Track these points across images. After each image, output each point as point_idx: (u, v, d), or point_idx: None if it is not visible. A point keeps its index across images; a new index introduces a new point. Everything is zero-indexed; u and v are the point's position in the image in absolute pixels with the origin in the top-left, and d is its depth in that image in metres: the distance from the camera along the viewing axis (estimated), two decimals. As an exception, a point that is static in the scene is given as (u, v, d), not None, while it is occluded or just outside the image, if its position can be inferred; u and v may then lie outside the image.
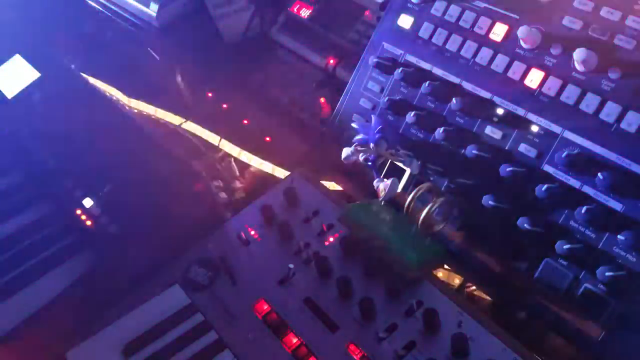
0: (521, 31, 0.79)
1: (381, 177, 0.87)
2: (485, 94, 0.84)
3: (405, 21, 0.95)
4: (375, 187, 0.86)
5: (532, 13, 0.83)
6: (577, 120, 0.76)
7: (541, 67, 0.80)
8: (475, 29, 0.87)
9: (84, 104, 1.17)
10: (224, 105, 1.29)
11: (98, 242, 0.97)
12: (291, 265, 0.87)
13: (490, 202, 0.79)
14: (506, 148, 0.81)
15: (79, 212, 1.03)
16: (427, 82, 0.86)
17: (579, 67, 0.76)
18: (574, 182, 0.75)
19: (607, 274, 0.69)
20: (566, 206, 0.75)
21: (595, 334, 0.72)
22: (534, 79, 0.80)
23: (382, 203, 0.86)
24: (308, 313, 0.83)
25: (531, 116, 0.80)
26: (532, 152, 0.79)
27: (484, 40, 0.86)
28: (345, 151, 0.90)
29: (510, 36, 0.84)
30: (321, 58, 1.20)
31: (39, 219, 1.05)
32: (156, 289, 0.90)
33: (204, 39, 1.33)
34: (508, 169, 0.78)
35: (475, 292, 0.91)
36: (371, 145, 0.86)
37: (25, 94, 1.21)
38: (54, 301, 0.92)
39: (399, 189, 0.87)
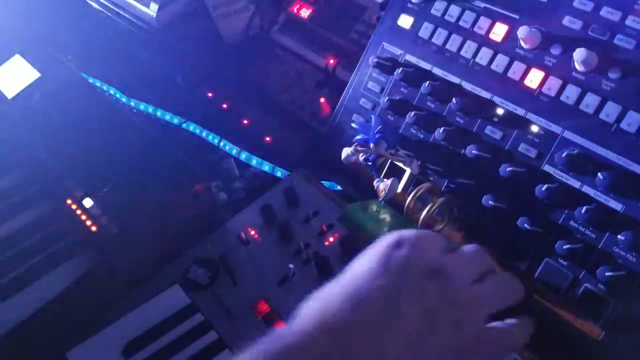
0: (521, 31, 0.79)
1: (381, 177, 0.87)
2: (485, 94, 0.84)
3: (405, 21, 0.95)
4: (375, 187, 0.86)
5: (532, 13, 0.83)
6: (577, 120, 0.76)
7: (541, 67, 0.80)
8: (475, 29, 0.87)
9: (84, 104, 1.17)
10: (224, 105, 1.29)
11: (98, 242, 0.97)
12: (291, 265, 0.87)
13: (490, 202, 0.79)
14: (506, 148, 0.81)
15: (79, 212, 1.03)
16: (427, 82, 0.86)
17: (579, 67, 0.76)
18: (574, 182, 0.75)
19: (607, 274, 0.69)
20: (566, 206, 0.75)
21: (595, 334, 0.72)
22: (534, 79, 0.80)
23: (382, 203, 0.86)
24: (308, 313, 0.83)
25: (531, 116, 0.80)
26: (532, 152, 0.79)
27: (484, 40, 0.86)
28: (345, 151, 0.90)
29: (510, 36, 0.84)
30: (321, 58, 1.20)
31: (39, 219, 1.05)
32: (156, 289, 0.90)
33: (204, 39, 1.33)
34: (508, 169, 0.78)
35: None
36: (371, 145, 0.86)
37: (25, 94, 1.21)
38: (54, 301, 0.91)
39: (399, 189, 0.87)
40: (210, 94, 1.32)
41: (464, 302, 0.59)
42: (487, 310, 0.62)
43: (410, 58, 0.93)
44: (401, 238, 0.61)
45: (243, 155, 1.18)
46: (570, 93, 0.77)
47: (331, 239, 0.90)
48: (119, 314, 0.88)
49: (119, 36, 1.45)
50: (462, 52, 0.87)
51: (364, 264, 0.59)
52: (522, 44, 0.82)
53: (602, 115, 0.74)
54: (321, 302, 0.57)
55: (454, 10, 0.90)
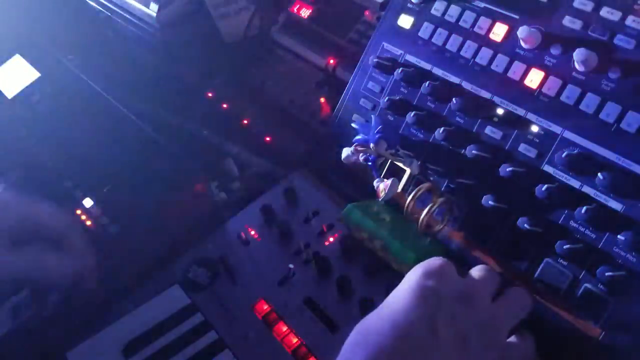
0: (521, 31, 0.79)
1: (381, 177, 0.87)
2: (485, 94, 0.84)
3: (405, 21, 0.95)
4: (375, 187, 0.86)
5: (532, 13, 0.83)
6: (577, 120, 0.76)
7: (541, 67, 0.80)
8: (475, 29, 0.87)
9: (84, 104, 1.17)
10: (224, 105, 1.29)
11: (98, 242, 0.97)
12: (291, 265, 0.87)
13: (490, 202, 0.79)
14: (506, 148, 0.81)
15: (79, 212, 1.03)
16: (427, 82, 0.86)
17: (579, 67, 0.76)
18: (574, 182, 0.75)
19: (607, 274, 0.69)
20: (566, 206, 0.75)
21: (595, 334, 0.72)
22: (534, 79, 0.80)
23: (382, 203, 0.86)
24: (308, 313, 0.83)
25: (531, 116, 0.80)
26: (532, 152, 0.79)
27: (484, 40, 0.86)
28: (345, 151, 0.90)
29: (510, 36, 0.84)
30: (321, 58, 1.20)
31: (39, 219, 1.05)
32: (156, 289, 0.90)
33: (204, 39, 1.33)
34: (508, 169, 0.78)
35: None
36: (371, 145, 0.86)
37: (25, 94, 1.21)
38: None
39: (399, 189, 0.87)
40: (210, 94, 1.32)
41: (489, 321, 0.64)
42: (508, 327, 0.67)
43: (410, 58, 0.93)
44: (428, 269, 0.66)
45: (243, 155, 1.18)
46: (570, 93, 0.77)
47: (331, 239, 0.90)
48: (119, 314, 0.88)
49: (119, 36, 1.45)
50: (462, 52, 0.87)
51: (400, 297, 0.64)
52: (522, 44, 0.82)
53: (602, 115, 0.74)
54: (364, 335, 0.61)
55: (454, 10, 0.90)
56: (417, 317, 0.60)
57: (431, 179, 0.87)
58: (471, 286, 0.67)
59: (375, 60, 0.93)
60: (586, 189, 0.74)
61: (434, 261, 0.68)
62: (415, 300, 0.62)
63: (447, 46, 0.89)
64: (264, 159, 1.16)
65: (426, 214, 0.80)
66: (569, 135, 0.77)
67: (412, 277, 0.65)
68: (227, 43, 1.34)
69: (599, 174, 0.71)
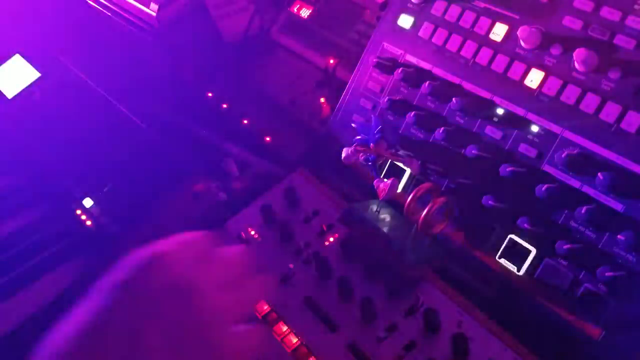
0: (521, 31, 0.79)
1: (381, 177, 0.87)
2: (485, 94, 0.84)
3: (405, 21, 0.95)
4: (375, 187, 0.86)
5: (532, 13, 0.83)
6: (577, 120, 0.76)
7: (541, 67, 0.80)
8: (475, 29, 0.87)
9: (84, 104, 1.17)
10: (224, 105, 1.29)
11: (98, 242, 0.97)
12: (291, 265, 0.87)
13: (490, 202, 0.79)
14: (506, 148, 0.81)
15: (79, 212, 1.03)
16: (427, 82, 0.86)
17: (579, 67, 0.76)
18: (574, 182, 0.75)
19: (607, 274, 0.69)
20: (566, 206, 0.75)
21: (595, 334, 0.72)
22: (534, 79, 0.80)
23: (382, 203, 0.86)
24: (308, 313, 0.83)
25: (531, 116, 0.80)
26: (532, 152, 0.79)
27: (484, 40, 0.86)
28: (345, 151, 0.90)
29: (510, 36, 0.84)
30: (321, 58, 1.20)
31: (39, 219, 1.05)
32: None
33: (204, 39, 1.33)
34: (508, 169, 0.78)
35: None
36: (371, 145, 0.86)
37: (25, 94, 1.21)
38: (54, 301, 0.91)
39: (399, 189, 0.87)
40: (210, 94, 1.32)
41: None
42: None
43: (410, 58, 0.93)
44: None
45: (243, 155, 1.18)
46: (570, 93, 0.77)
47: (331, 239, 0.90)
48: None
49: (119, 36, 1.45)
50: (462, 52, 0.87)
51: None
52: (522, 44, 0.82)
53: (602, 115, 0.74)
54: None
55: (454, 10, 0.90)
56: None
57: (431, 179, 0.87)
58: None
59: (375, 60, 0.93)
60: (586, 189, 0.74)
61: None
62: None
63: (447, 46, 0.89)
64: (264, 159, 1.16)
65: (426, 214, 0.80)
66: (569, 135, 0.77)
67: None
68: (227, 43, 1.34)
69: (599, 174, 0.71)
